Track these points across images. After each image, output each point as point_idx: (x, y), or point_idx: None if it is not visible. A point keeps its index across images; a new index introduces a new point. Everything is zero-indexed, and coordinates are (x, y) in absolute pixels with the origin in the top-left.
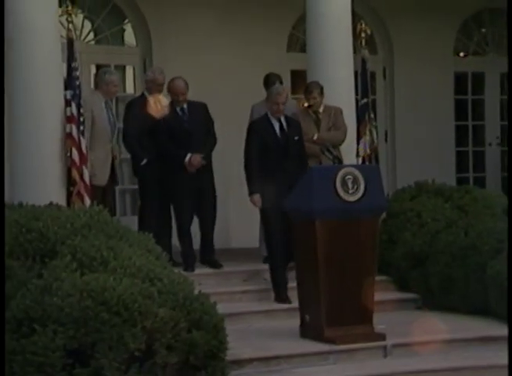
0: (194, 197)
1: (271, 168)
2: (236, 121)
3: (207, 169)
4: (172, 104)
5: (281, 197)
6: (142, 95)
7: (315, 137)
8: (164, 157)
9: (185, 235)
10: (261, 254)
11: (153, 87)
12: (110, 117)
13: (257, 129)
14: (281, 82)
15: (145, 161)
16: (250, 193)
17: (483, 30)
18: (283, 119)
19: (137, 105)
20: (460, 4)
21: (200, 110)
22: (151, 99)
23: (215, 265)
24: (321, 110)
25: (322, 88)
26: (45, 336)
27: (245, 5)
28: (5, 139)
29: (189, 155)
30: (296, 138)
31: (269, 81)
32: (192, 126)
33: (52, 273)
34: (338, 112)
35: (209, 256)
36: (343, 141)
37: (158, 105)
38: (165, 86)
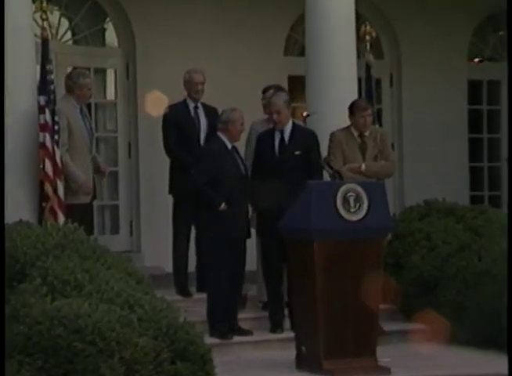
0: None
1: (266, 185)
2: None
3: None
4: (218, 138)
5: (273, 215)
6: (185, 101)
7: (363, 168)
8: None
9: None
10: (260, 299)
11: (191, 88)
12: (87, 124)
13: (259, 142)
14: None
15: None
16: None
17: (500, 33)
18: (288, 131)
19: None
20: (475, 5)
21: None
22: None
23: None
24: (367, 133)
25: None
26: (10, 367)
27: (239, 4)
28: None
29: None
30: (297, 152)
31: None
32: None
33: (20, 298)
34: (385, 137)
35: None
36: (391, 175)
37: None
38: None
